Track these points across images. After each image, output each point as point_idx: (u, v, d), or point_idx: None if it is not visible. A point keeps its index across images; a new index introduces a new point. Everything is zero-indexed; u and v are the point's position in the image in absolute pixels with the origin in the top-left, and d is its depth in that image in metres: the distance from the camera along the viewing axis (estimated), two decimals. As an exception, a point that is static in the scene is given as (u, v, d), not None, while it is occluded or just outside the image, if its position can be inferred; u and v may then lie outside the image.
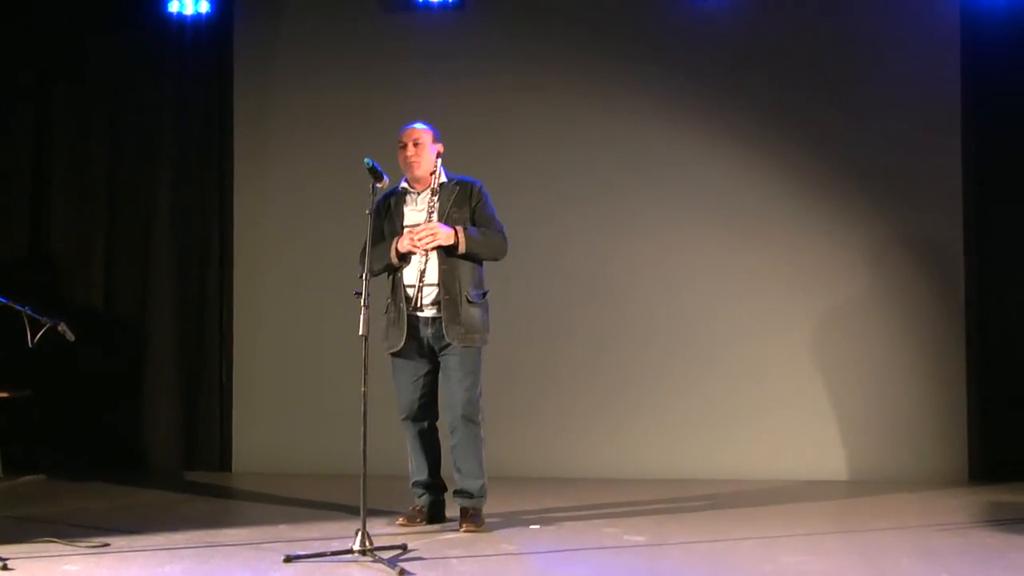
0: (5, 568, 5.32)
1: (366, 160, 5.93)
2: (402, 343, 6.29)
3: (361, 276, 5.78)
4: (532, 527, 6.41)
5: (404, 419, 6.43)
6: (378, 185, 5.96)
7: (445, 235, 6.21)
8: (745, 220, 8.25)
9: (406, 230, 6.31)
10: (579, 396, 8.31)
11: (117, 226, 8.73)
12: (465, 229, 6.26)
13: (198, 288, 8.67)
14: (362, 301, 5.68)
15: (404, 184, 6.43)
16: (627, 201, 8.34)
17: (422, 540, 5.96)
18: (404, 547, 5.69)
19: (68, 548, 5.78)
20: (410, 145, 6.36)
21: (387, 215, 6.40)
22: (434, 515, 6.46)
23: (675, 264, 8.30)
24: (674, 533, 6.28)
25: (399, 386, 6.41)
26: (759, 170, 8.25)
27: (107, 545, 5.86)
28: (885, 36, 8.20)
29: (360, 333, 5.65)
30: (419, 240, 6.21)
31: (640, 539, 6.12)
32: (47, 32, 8.65)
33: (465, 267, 6.27)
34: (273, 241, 8.61)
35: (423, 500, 6.45)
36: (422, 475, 6.44)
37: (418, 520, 6.39)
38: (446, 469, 6.47)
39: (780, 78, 8.25)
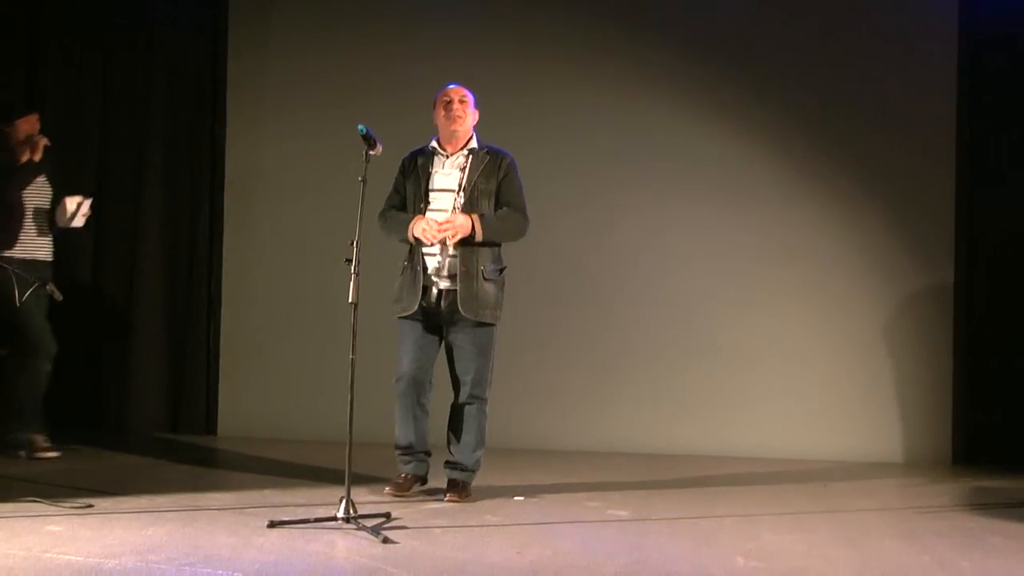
0: (-12, 527, 5.32)
1: (359, 127, 5.90)
2: (415, 308, 6.26)
3: (352, 243, 5.75)
4: (516, 499, 6.42)
5: (398, 381, 6.38)
6: (371, 152, 5.92)
7: (462, 227, 6.18)
8: (737, 200, 8.26)
9: (428, 214, 6.26)
10: (567, 370, 8.31)
11: (105, 188, 8.68)
12: (482, 217, 6.22)
13: (187, 251, 8.65)
14: (352, 268, 5.66)
15: (434, 144, 6.40)
16: (624, 175, 8.34)
17: (406, 509, 5.96)
18: (388, 515, 5.69)
19: (52, 508, 5.77)
20: (456, 101, 6.35)
21: (412, 174, 6.37)
22: (421, 481, 6.45)
23: (668, 242, 8.30)
24: (658, 509, 6.29)
25: (402, 349, 6.37)
26: (755, 151, 8.26)
27: (91, 506, 5.85)
28: (884, 26, 8.18)
29: (350, 300, 5.63)
30: (436, 234, 6.17)
31: (623, 514, 6.13)
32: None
33: (484, 242, 6.27)
34: (264, 205, 8.59)
35: (410, 468, 6.41)
36: (408, 440, 6.39)
37: (407, 488, 6.37)
38: (433, 439, 6.46)
39: (780, 61, 8.25)
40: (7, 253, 7.17)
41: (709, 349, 8.23)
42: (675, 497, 6.68)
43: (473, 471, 6.39)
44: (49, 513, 5.69)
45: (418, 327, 6.34)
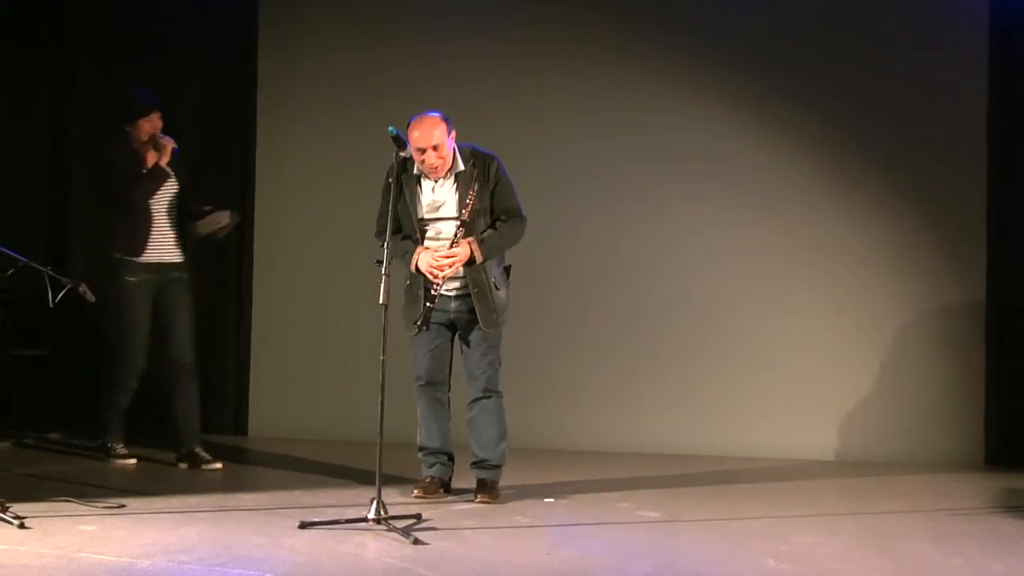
0: (22, 527, 5.35)
1: (389, 128, 5.90)
2: (418, 323, 6.21)
3: (382, 244, 5.76)
4: (547, 500, 6.42)
5: (419, 384, 6.42)
6: (402, 154, 5.94)
7: (462, 259, 6.14)
8: (766, 201, 8.20)
9: (427, 244, 6.20)
10: (595, 370, 8.29)
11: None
12: (480, 242, 6.15)
13: (217, 251, 8.66)
14: (383, 269, 5.67)
15: (417, 169, 6.21)
16: (650, 177, 8.30)
17: (436, 510, 5.97)
18: (419, 516, 5.70)
19: (84, 508, 5.81)
20: (429, 151, 6.07)
21: (401, 198, 6.19)
22: (445, 484, 6.47)
23: (696, 242, 8.26)
24: (688, 510, 6.29)
25: (416, 353, 6.39)
26: (783, 153, 8.20)
27: (123, 506, 5.89)
28: (912, 22, 8.12)
29: (380, 301, 5.64)
30: (441, 275, 6.13)
31: (654, 515, 6.12)
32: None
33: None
34: (294, 206, 8.61)
35: (434, 470, 6.44)
36: (432, 442, 6.43)
37: (434, 491, 6.37)
38: (456, 439, 6.48)
39: (805, 61, 8.18)
40: (135, 259, 7.06)
41: (737, 349, 8.19)
42: (705, 498, 6.67)
43: (499, 466, 6.39)
44: (82, 513, 5.74)
45: (428, 333, 6.30)
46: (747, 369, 8.18)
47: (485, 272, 6.22)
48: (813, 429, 8.10)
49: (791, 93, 8.18)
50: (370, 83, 8.47)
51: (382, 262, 5.68)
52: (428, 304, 6.16)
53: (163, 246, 7.15)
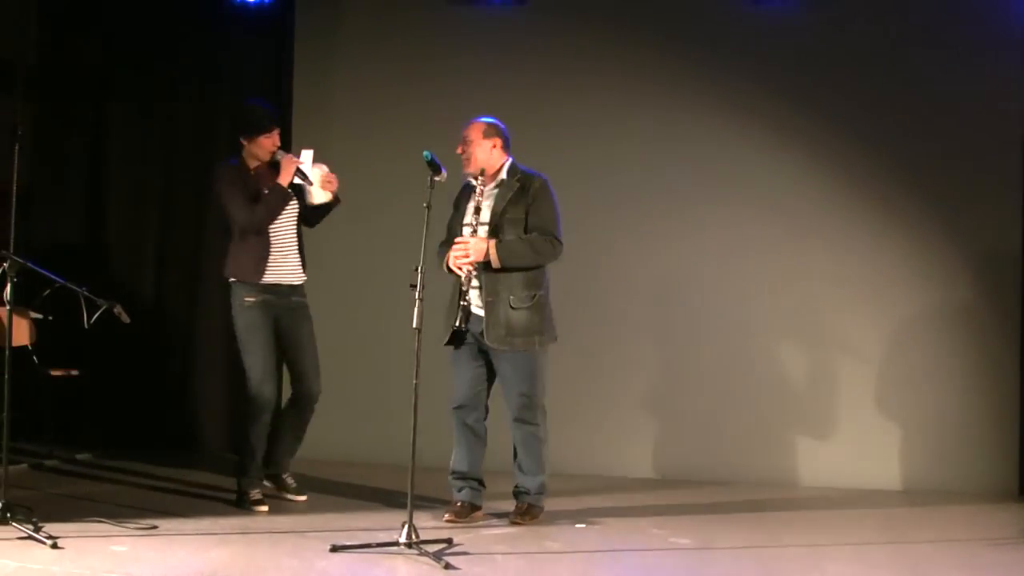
0: (55, 547, 5.37)
1: (424, 153, 5.95)
2: (447, 338, 6.29)
3: (416, 268, 5.77)
4: (578, 526, 6.40)
5: (453, 408, 6.46)
6: (436, 178, 5.97)
7: (478, 252, 6.21)
8: (796, 224, 8.17)
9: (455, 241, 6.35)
10: (624, 395, 8.26)
11: (169, 213, 8.77)
12: (500, 242, 6.22)
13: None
14: (417, 294, 5.69)
15: (472, 179, 6.41)
16: (682, 201, 8.28)
17: (468, 535, 5.97)
18: (450, 541, 5.69)
19: (116, 529, 5.84)
20: (460, 144, 6.40)
21: (457, 209, 6.47)
22: (475, 507, 6.48)
23: (731, 267, 8.23)
24: (720, 537, 6.25)
25: (454, 376, 6.44)
26: (814, 173, 8.16)
27: (155, 527, 5.90)
28: (948, 41, 8.08)
29: (414, 326, 5.66)
30: (453, 260, 6.24)
31: (686, 542, 6.10)
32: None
33: (512, 269, 6.27)
34: (329, 228, 8.60)
35: (463, 494, 6.45)
36: (461, 467, 6.46)
37: (465, 515, 6.38)
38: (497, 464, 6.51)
39: (840, 80, 8.14)
40: (258, 280, 6.71)
41: (772, 376, 8.14)
42: (738, 526, 6.63)
43: (539, 494, 6.42)
44: (114, 534, 5.76)
45: (467, 353, 6.38)
46: (782, 396, 8.14)
47: (503, 285, 6.24)
48: (847, 458, 8.04)
49: (829, 118, 8.13)
50: (405, 106, 8.48)
51: (415, 287, 5.70)
52: (455, 324, 6.22)
53: (283, 267, 6.82)
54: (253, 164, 6.83)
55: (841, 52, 8.15)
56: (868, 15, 8.14)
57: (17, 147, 6.14)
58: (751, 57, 8.24)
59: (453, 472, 6.48)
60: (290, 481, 6.99)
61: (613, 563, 5.57)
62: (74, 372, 8.21)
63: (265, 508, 6.63)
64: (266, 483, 6.90)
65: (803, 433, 8.10)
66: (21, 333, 7.68)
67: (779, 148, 8.21)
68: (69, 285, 6.16)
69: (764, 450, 8.12)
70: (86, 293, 6.13)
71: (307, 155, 6.84)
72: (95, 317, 6.11)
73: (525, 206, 6.32)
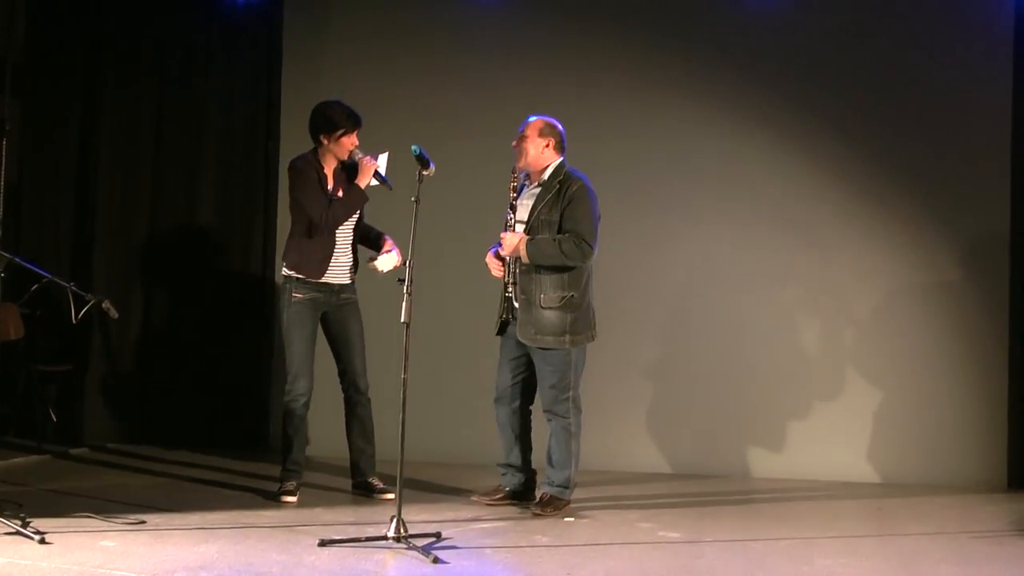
0: (43, 542, 5.36)
1: (413, 147, 5.97)
2: (497, 327, 6.59)
3: (406, 262, 5.80)
4: (567, 519, 6.41)
5: (494, 400, 6.69)
6: (424, 172, 5.97)
7: (510, 246, 6.41)
8: (785, 217, 8.18)
9: None
10: (611, 389, 8.25)
11: (161, 202, 8.76)
12: (531, 240, 6.38)
13: (242, 267, 8.70)
14: (405, 288, 5.70)
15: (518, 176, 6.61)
16: (679, 198, 8.27)
17: (457, 529, 5.97)
18: (438, 535, 5.70)
19: (105, 524, 5.83)
20: (517, 140, 6.55)
21: (512, 205, 6.60)
22: (518, 496, 6.67)
23: (722, 264, 8.23)
24: (709, 530, 6.26)
25: (497, 368, 6.69)
26: (798, 165, 8.17)
27: (143, 522, 5.90)
28: (936, 37, 8.10)
29: (402, 320, 5.67)
30: (490, 255, 6.55)
31: (675, 535, 6.10)
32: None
33: (544, 269, 6.41)
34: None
35: (506, 480, 6.69)
36: (505, 456, 6.70)
37: (494, 496, 6.66)
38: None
39: (833, 80, 8.15)
40: (318, 278, 6.72)
41: (761, 370, 8.15)
42: (727, 519, 6.64)
43: (563, 487, 6.51)
44: (103, 529, 5.75)
45: (510, 344, 6.60)
46: (771, 390, 8.15)
47: (535, 285, 6.41)
48: (836, 450, 8.05)
49: (819, 114, 8.15)
50: (394, 105, 8.45)
51: (403, 281, 5.72)
52: (501, 315, 6.55)
53: (337, 267, 6.82)
54: (328, 163, 6.83)
55: (834, 48, 8.17)
56: (863, 15, 8.18)
57: (4, 142, 6.13)
58: (745, 56, 8.25)
59: (499, 463, 6.73)
60: (377, 483, 6.90)
61: (602, 557, 5.57)
62: (64, 367, 8.21)
63: (292, 500, 6.65)
64: (356, 491, 6.93)
65: (792, 427, 8.10)
66: (9, 328, 7.67)
67: (777, 147, 8.21)
68: (57, 280, 6.16)
69: (754, 444, 8.13)
70: (74, 288, 6.12)
71: (383, 158, 6.87)
72: (83, 312, 6.10)
73: (560, 209, 6.43)
